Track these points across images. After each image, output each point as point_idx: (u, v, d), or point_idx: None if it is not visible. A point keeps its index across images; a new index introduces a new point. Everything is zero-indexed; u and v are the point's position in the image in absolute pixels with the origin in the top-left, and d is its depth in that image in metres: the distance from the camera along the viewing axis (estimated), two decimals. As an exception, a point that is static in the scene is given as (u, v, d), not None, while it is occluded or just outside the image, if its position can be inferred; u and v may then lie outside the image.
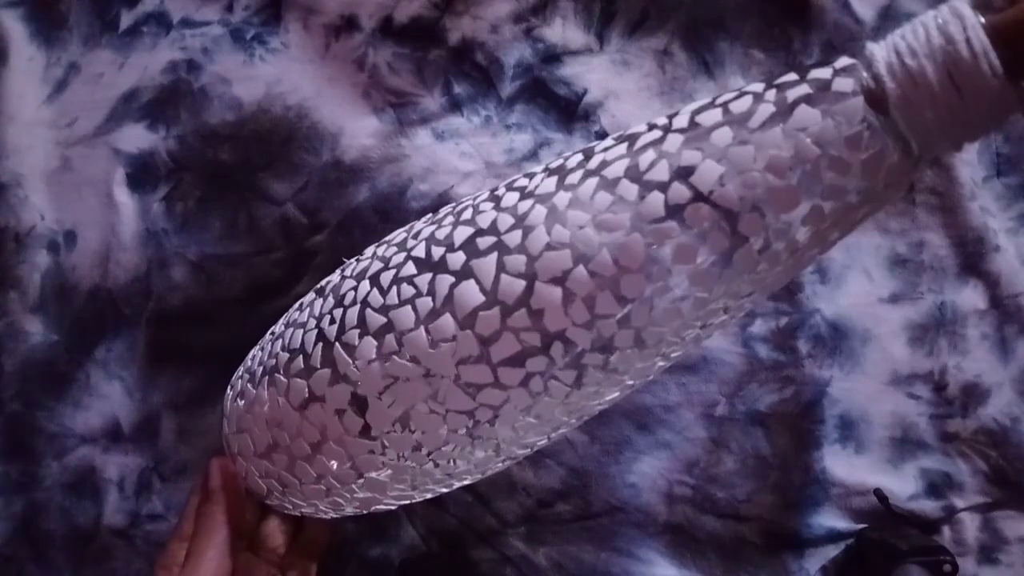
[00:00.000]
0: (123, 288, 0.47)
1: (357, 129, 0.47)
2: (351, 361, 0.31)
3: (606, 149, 0.29)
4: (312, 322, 0.33)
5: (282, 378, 0.33)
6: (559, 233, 0.28)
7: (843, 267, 0.46)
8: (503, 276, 0.29)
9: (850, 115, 0.25)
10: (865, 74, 0.25)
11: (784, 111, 0.26)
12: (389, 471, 0.32)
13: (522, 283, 0.28)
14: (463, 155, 0.46)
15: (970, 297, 0.45)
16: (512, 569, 0.44)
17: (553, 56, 0.47)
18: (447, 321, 0.29)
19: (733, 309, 0.30)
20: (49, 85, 0.49)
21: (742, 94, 0.27)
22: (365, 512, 0.36)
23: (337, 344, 0.31)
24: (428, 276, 0.30)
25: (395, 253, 0.32)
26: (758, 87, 0.27)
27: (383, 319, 0.30)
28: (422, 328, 0.29)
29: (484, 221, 0.30)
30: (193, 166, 0.48)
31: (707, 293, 0.28)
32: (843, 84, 0.25)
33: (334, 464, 0.32)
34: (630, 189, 0.27)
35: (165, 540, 0.37)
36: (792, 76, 0.27)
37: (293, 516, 0.38)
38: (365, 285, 0.32)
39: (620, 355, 0.29)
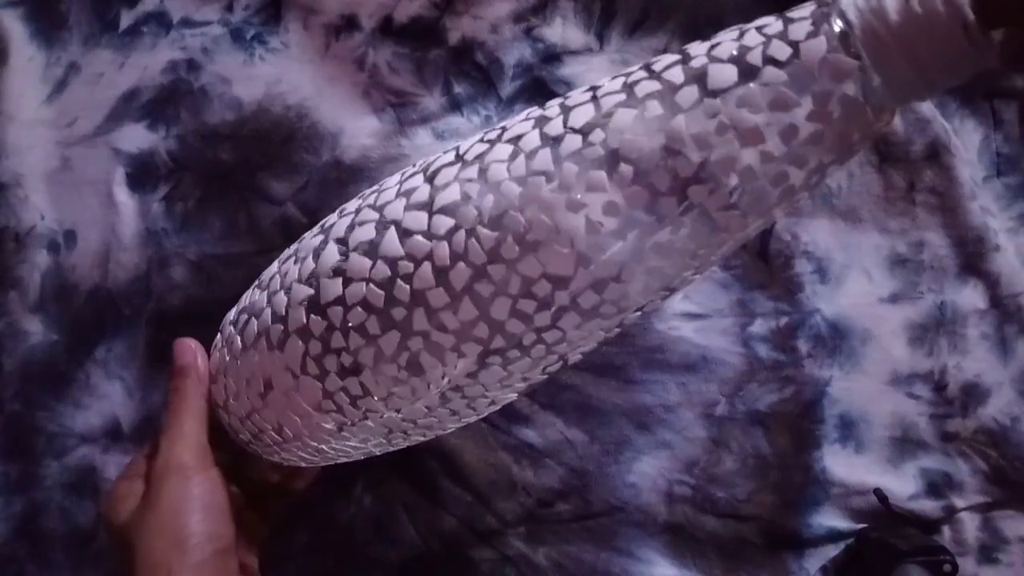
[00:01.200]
0: (123, 288, 0.47)
1: (357, 129, 0.47)
2: (336, 216, 0.32)
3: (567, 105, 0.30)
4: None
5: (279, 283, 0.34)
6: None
7: (843, 267, 0.46)
8: (476, 145, 0.30)
9: (831, 82, 0.25)
10: (835, 21, 0.25)
11: (762, 86, 0.25)
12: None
13: (486, 146, 0.30)
14: (463, 155, 0.46)
15: (970, 297, 0.45)
16: (512, 569, 0.44)
17: (553, 56, 0.47)
18: (417, 179, 0.31)
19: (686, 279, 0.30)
20: (49, 85, 0.49)
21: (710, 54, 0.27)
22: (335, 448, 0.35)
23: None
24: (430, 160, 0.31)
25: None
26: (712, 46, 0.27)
27: (373, 193, 0.32)
28: (397, 187, 0.31)
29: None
30: (193, 166, 0.48)
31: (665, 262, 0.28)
32: (809, 32, 0.25)
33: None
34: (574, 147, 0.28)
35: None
36: (761, 38, 0.26)
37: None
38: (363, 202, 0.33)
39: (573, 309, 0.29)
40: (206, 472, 0.34)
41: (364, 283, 0.30)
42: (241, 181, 0.47)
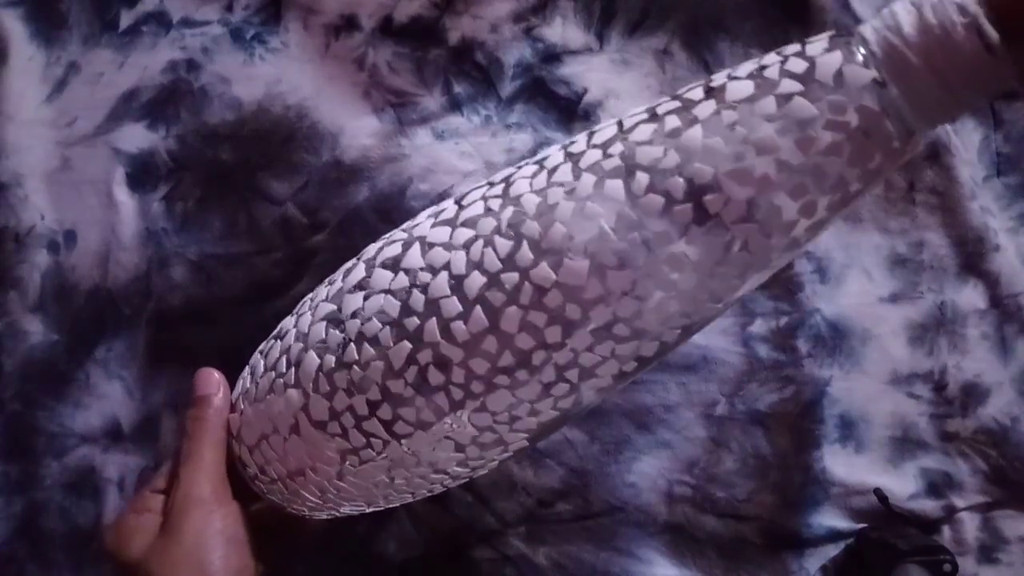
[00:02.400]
0: (123, 288, 0.47)
1: (357, 129, 0.47)
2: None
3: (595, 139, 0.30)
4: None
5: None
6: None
7: (843, 267, 0.46)
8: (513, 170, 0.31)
9: (847, 93, 0.25)
10: (859, 50, 0.25)
11: (778, 96, 0.25)
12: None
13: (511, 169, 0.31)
14: (463, 155, 0.46)
15: (970, 297, 0.45)
16: (512, 569, 0.44)
17: (553, 56, 0.47)
18: (448, 203, 0.31)
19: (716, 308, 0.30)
20: (49, 85, 0.49)
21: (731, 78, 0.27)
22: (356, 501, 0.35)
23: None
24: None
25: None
26: (748, 70, 0.27)
27: (404, 235, 0.32)
28: (428, 209, 0.32)
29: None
30: (193, 166, 0.48)
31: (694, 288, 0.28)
32: (826, 49, 0.25)
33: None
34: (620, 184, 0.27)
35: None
36: (779, 57, 0.26)
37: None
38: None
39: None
40: (228, 506, 0.34)
41: (383, 294, 0.30)
42: (241, 181, 0.47)
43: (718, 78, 0.27)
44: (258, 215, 0.47)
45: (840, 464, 0.45)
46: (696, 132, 0.26)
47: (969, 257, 0.45)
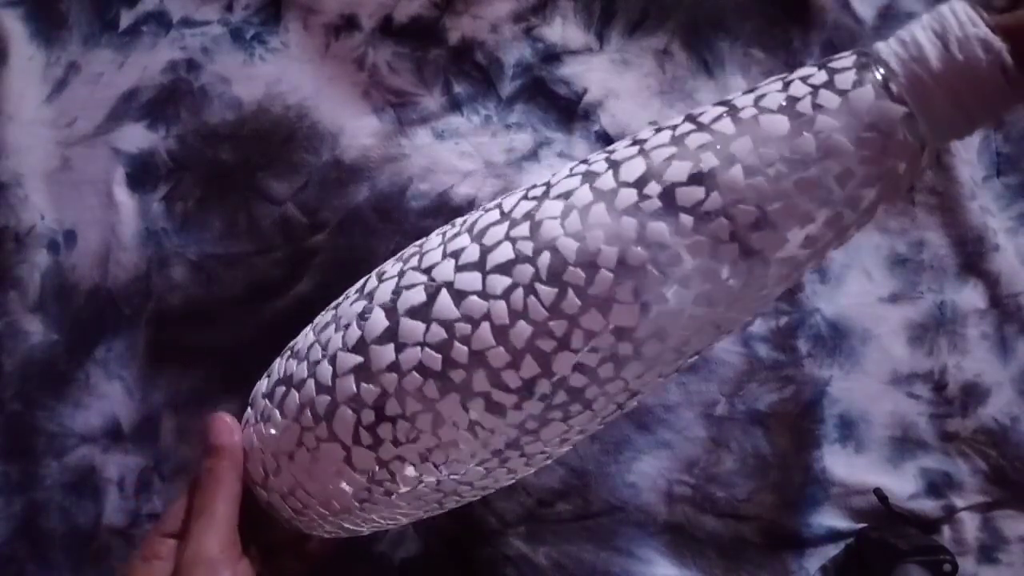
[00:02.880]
0: (123, 288, 0.47)
1: (357, 128, 0.47)
2: (376, 282, 0.32)
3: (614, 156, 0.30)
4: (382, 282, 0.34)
5: (333, 332, 0.33)
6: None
7: (843, 267, 0.46)
8: (522, 201, 0.30)
9: (867, 112, 0.26)
10: (877, 71, 0.26)
11: (799, 114, 0.26)
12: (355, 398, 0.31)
13: (533, 203, 0.30)
14: (463, 154, 0.46)
15: (970, 296, 0.45)
16: (512, 568, 0.44)
17: (553, 55, 0.47)
18: (463, 238, 0.31)
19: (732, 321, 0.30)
20: (49, 84, 0.49)
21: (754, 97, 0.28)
22: (375, 520, 0.35)
23: (418, 271, 0.32)
24: (472, 218, 0.31)
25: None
26: (771, 89, 0.28)
27: (415, 249, 0.32)
28: (441, 247, 0.31)
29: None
30: (193, 166, 0.48)
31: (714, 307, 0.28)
32: (855, 81, 0.26)
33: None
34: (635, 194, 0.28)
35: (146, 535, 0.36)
36: (808, 88, 0.27)
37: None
38: (409, 251, 0.33)
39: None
40: (237, 564, 0.33)
41: (419, 347, 0.29)
42: (241, 181, 0.47)
43: (744, 106, 0.27)
44: (258, 215, 0.47)
45: (840, 464, 0.45)
46: (737, 172, 0.27)
47: (969, 257, 0.45)
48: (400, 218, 0.46)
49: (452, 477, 0.32)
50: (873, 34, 0.46)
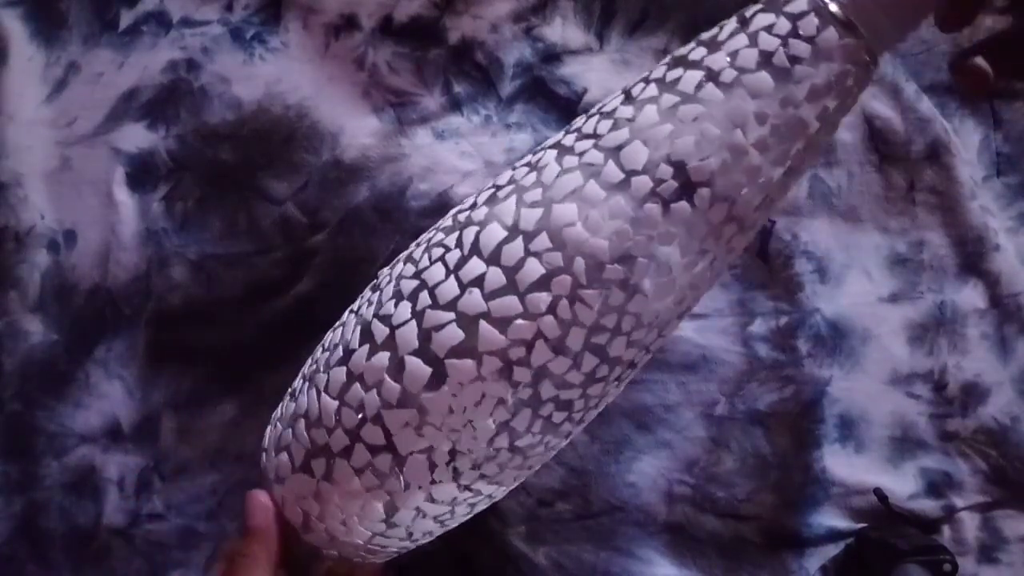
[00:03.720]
0: (123, 287, 0.47)
1: (357, 128, 0.47)
2: (387, 328, 0.30)
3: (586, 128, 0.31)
4: (351, 317, 0.33)
5: (322, 374, 0.33)
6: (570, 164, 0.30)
7: (843, 266, 0.46)
8: (523, 210, 0.29)
9: (835, 49, 0.28)
10: (832, 7, 0.28)
11: (778, 69, 0.28)
12: (427, 447, 0.31)
13: (539, 211, 0.29)
14: (463, 154, 0.46)
15: (970, 296, 0.45)
16: (512, 568, 0.44)
17: (553, 55, 0.47)
18: (475, 263, 0.30)
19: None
20: (49, 84, 0.49)
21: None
22: (409, 540, 0.35)
23: (375, 319, 0.31)
24: (455, 234, 0.31)
25: (425, 238, 0.33)
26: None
27: (416, 282, 0.31)
28: (452, 277, 0.30)
29: (501, 180, 0.32)
30: (193, 166, 0.48)
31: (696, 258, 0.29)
32: (818, 26, 0.28)
33: (372, 452, 0.31)
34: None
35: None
36: (765, 27, 0.29)
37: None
38: (398, 267, 0.33)
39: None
40: None
41: (478, 382, 0.29)
42: (241, 181, 0.47)
43: (722, 67, 0.29)
44: (258, 215, 0.47)
45: (840, 464, 0.45)
46: (739, 136, 0.28)
47: (969, 257, 0.45)
48: (400, 218, 0.46)
49: (489, 488, 0.32)
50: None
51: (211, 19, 0.49)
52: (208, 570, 0.36)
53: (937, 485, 0.45)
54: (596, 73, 0.47)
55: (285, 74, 0.47)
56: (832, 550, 0.44)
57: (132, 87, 0.48)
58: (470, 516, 0.35)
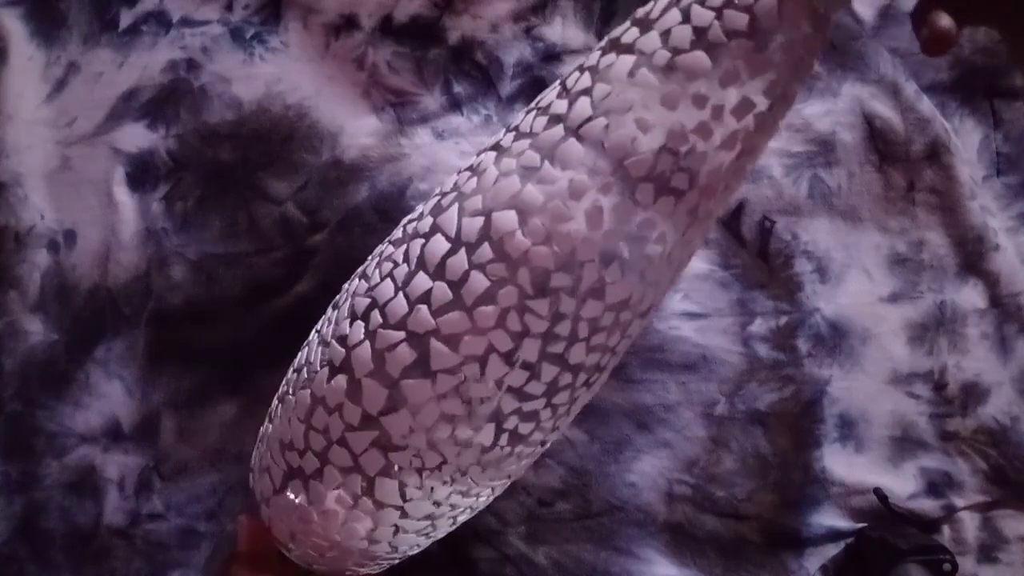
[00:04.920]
0: (123, 287, 0.47)
1: (357, 128, 0.47)
2: (343, 350, 0.30)
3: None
4: (314, 336, 0.33)
5: (290, 397, 0.33)
6: (507, 165, 0.29)
7: (843, 266, 0.46)
8: (464, 219, 0.28)
9: (774, 17, 0.26)
10: None
11: (713, 44, 0.26)
12: (394, 468, 0.31)
13: (480, 220, 0.28)
14: (463, 154, 0.46)
15: (970, 296, 0.45)
16: (512, 568, 0.44)
17: (553, 55, 0.47)
18: (421, 279, 0.29)
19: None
20: (49, 84, 0.49)
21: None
22: (396, 553, 0.35)
23: (333, 341, 0.31)
24: (403, 247, 0.30)
25: (379, 251, 0.33)
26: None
27: (367, 300, 0.30)
28: (400, 294, 0.29)
29: (447, 186, 0.31)
30: (193, 165, 0.48)
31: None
32: None
33: (342, 474, 0.31)
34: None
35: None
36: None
37: None
38: (354, 283, 0.32)
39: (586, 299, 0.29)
40: None
41: (434, 402, 0.29)
42: (241, 180, 0.47)
43: (654, 49, 0.27)
44: (258, 214, 0.47)
45: (840, 463, 0.45)
46: (623, 99, 0.27)
47: (969, 257, 0.45)
48: (400, 218, 0.45)
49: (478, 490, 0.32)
50: (873, 34, 0.46)
51: (211, 19, 0.49)
52: (207, 571, 0.36)
53: (937, 485, 0.45)
54: (596, 73, 0.47)
55: (285, 74, 0.47)
56: (832, 550, 0.44)
57: (132, 87, 0.48)
58: (456, 526, 0.35)
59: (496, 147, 0.30)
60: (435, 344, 0.28)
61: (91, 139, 0.48)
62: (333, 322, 0.32)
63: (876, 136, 0.46)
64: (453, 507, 0.33)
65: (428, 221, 0.30)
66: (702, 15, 0.26)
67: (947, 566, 0.40)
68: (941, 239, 0.46)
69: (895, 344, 0.45)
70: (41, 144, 0.48)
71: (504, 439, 0.30)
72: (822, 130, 0.46)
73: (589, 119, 0.27)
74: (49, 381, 0.47)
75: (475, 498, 0.33)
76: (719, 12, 0.26)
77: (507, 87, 0.47)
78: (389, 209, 0.46)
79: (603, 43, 0.29)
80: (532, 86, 0.47)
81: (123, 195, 0.48)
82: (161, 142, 0.48)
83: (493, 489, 0.34)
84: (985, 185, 0.46)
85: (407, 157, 0.46)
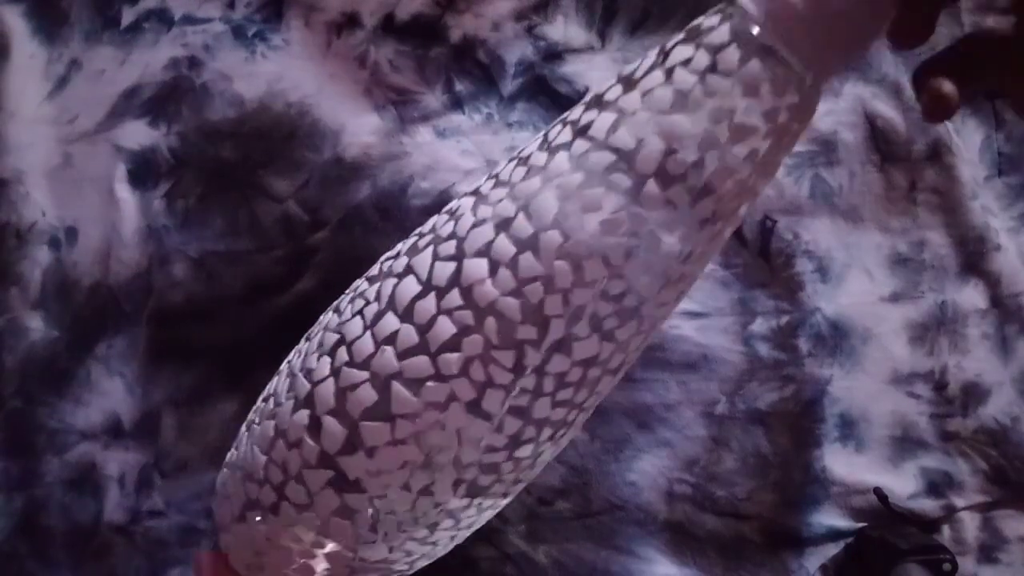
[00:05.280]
0: (124, 285, 0.47)
1: (358, 126, 0.47)
2: (308, 384, 0.30)
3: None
4: (285, 367, 0.33)
5: (255, 425, 0.32)
6: (483, 213, 0.28)
7: (844, 266, 0.46)
8: (437, 263, 0.28)
9: (757, 80, 0.25)
10: (737, 19, 0.26)
11: (695, 104, 0.26)
12: (348, 509, 0.30)
13: (452, 265, 0.28)
14: (464, 153, 0.46)
15: (971, 296, 0.45)
16: (512, 567, 0.44)
17: (555, 54, 0.47)
18: (390, 319, 0.28)
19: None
20: (50, 81, 0.49)
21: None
22: None
23: (300, 373, 0.30)
24: (376, 285, 0.30)
25: (353, 286, 0.32)
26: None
27: (336, 336, 0.30)
28: (368, 333, 0.29)
29: (425, 227, 0.31)
30: (194, 163, 0.48)
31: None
32: (741, 59, 0.26)
33: (297, 511, 0.30)
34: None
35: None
36: (682, 61, 0.27)
37: None
38: (327, 315, 0.32)
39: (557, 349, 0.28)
40: None
41: (392, 446, 0.28)
42: (242, 178, 0.47)
43: (631, 106, 0.27)
44: (259, 212, 0.47)
45: (840, 463, 0.45)
46: (600, 158, 0.26)
47: (970, 257, 0.45)
48: (401, 216, 0.46)
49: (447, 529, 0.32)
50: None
51: (213, 16, 0.49)
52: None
53: (937, 485, 0.45)
54: (598, 72, 0.47)
55: (287, 72, 0.47)
56: (832, 549, 0.44)
57: (134, 84, 0.48)
58: (413, 570, 0.35)
59: (475, 192, 0.30)
60: (397, 388, 0.28)
61: (92, 136, 0.48)
62: (303, 354, 0.32)
63: (878, 136, 0.46)
64: (408, 553, 0.32)
65: (403, 261, 0.30)
66: (684, 78, 0.26)
67: (947, 566, 0.40)
68: (942, 239, 0.46)
69: (896, 344, 0.45)
70: (42, 141, 0.48)
71: (462, 490, 0.30)
72: (823, 130, 0.46)
73: (564, 174, 0.27)
74: (50, 378, 0.47)
75: (432, 546, 0.33)
76: (702, 77, 0.26)
77: (509, 86, 0.47)
78: (390, 207, 0.46)
79: (588, 98, 0.29)
80: (534, 85, 0.47)
81: (124, 192, 0.48)
82: (162, 139, 0.48)
83: (452, 538, 0.34)
84: (987, 185, 0.46)
85: (408, 155, 0.46)
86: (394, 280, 0.29)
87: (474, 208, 0.29)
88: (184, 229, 0.47)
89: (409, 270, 0.29)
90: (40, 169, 0.48)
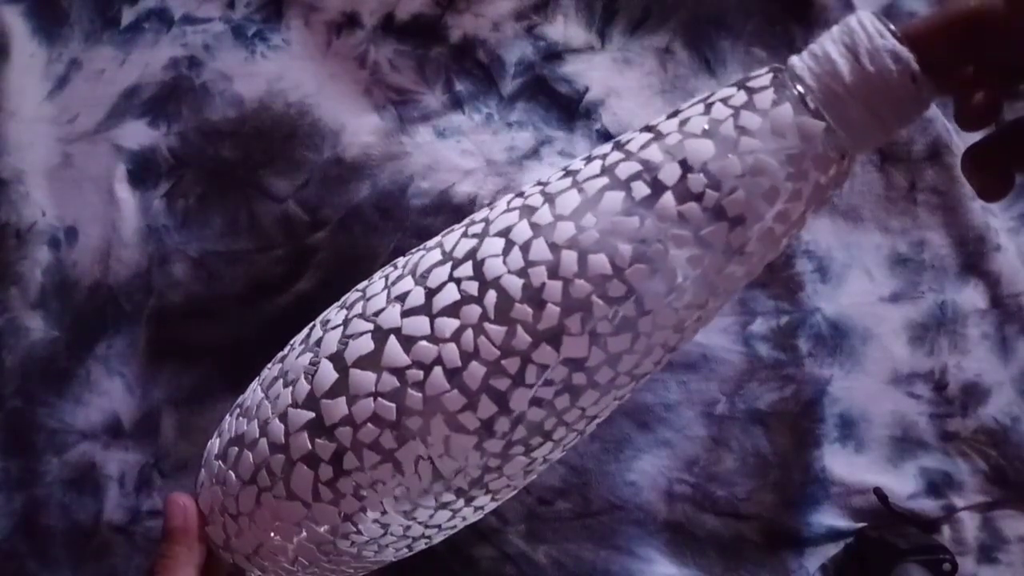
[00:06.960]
0: (124, 284, 0.47)
1: (358, 126, 0.47)
2: (321, 331, 0.32)
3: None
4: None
5: (267, 370, 0.34)
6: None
7: (844, 266, 0.46)
8: (461, 240, 0.30)
9: (788, 129, 0.26)
10: (794, 88, 0.26)
11: (724, 137, 0.27)
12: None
13: (474, 241, 0.29)
14: (464, 153, 0.46)
15: (971, 296, 0.45)
16: (512, 567, 0.44)
17: (554, 54, 0.47)
18: (406, 281, 0.30)
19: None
20: (50, 81, 0.49)
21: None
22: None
23: (317, 323, 0.33)
24: (407, 257, 0.32)
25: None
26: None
27: (358, 293, 0.32)
28: (385, 291, 0.30)
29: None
30: (194, 163, 0.48)
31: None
32: (774, 100, 0.26)
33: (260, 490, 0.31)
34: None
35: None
36: (723, 98, 0.27)
37: None
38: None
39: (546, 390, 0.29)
40: None
41: (371, 398, 0.29)
42: (242, 178, 0.47)
43: (669, 131, 0.27)
44: (259, 212, 0.47)
45: (840, 463, 0.45)
46: (668, 200, 0.27)
47: (970, 257, 0.45)
48: (401, 216, 0.46)
49: (418, 522, 0.31)
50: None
51: (213, 16, 0.49)
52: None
53: (937, 485, 0.45)
54: (598, 72, 0.47)
55: (287, 72, 0.47)
56: (832, 549, 0.44)
57: (134, 84, 0.48)
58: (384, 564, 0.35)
59: (520, 193, 0.30)
60: (391, 341, 0.29)
61: (92, 136, 0.48)
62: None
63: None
64: (362, 559, 0.33)
65: (437, 239, 0.31)
66: (720, 111, 0.27)
67: (947, 566, 0.40)
68: (942, 239, 0.46)
69: (896, 344, 0.45)
70: (42, 141, 0.48)
71: (425, 468, 0.30)
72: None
73: (591, 177, 0.28)
74: (50, 378, 0.47)
75: (401, 539, 0.33)
76: (736, 113, 0.27)
77: (508, 86, 0.47)
78: (390, 207, 0.46)
79: (611, 144, 0.29)
80: (534, 85, 0.47)
81: (124, 192, 0.48)
82: (162, 139, 0.48)
83: (424, 535, 0.34)
84: (986, 185, 0.46)
85: (408, 155, 0.46)
86: (423, 252, 0.31)
87: (511, 200, 0.30)
88: (184, 229, 0.47)
89: (438, 244, 0.30)
90: (40, 169, 0.48)
